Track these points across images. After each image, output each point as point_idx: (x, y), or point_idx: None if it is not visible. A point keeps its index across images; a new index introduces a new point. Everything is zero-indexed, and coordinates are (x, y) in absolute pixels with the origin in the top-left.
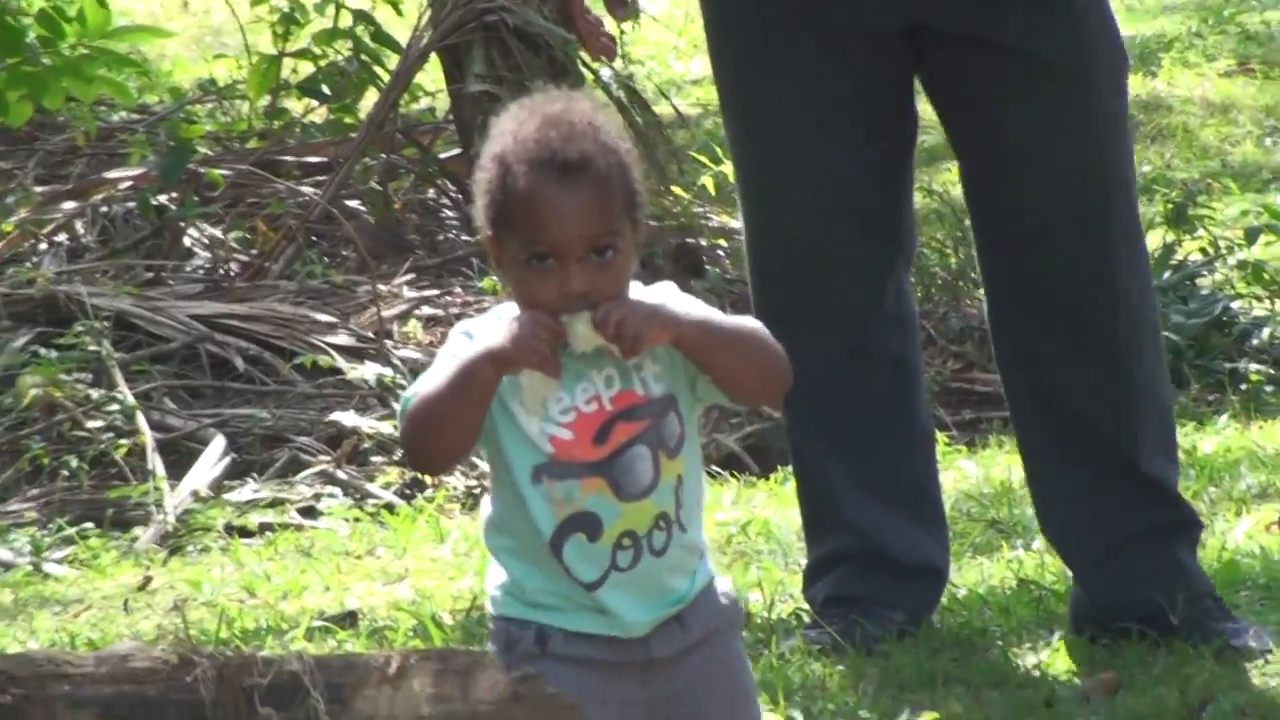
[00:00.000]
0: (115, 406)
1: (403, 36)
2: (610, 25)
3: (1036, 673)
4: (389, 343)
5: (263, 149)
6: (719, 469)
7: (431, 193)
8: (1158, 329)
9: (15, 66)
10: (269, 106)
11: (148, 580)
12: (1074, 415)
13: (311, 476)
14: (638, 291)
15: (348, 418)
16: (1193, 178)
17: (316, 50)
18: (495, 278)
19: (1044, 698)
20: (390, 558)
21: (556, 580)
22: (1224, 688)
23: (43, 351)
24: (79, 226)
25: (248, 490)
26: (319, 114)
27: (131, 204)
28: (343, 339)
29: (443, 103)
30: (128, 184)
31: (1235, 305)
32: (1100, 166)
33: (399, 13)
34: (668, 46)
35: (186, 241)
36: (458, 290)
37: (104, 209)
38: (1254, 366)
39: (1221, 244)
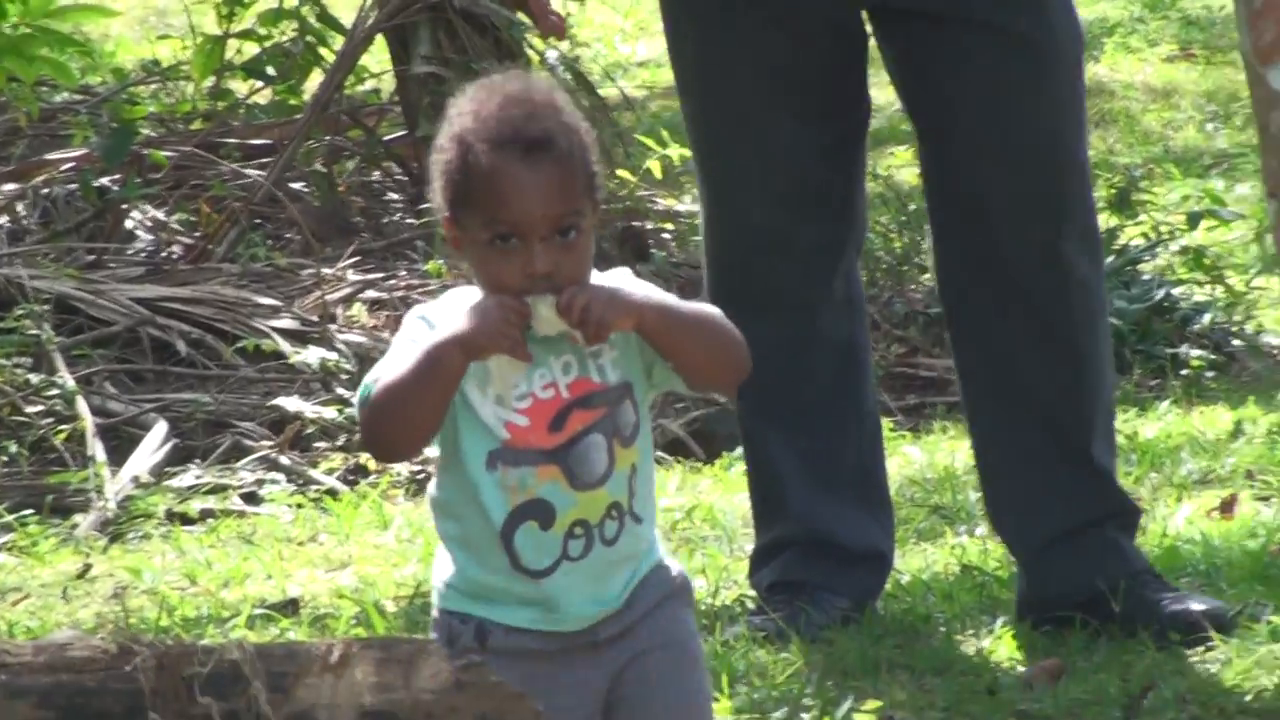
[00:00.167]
0: (55, 391)
1: (348, 18)
2: (559, 4)
3: (979, 659)
4: (333, 327)
5: (206, 130)
6: (664, 454)
7: (376, 175)
8: (1107, 313)
9: None
10: (213, 87)
11: (87, 568)
12: (1026, 397)
13: (254, 462)
14: (594, 278)
15: (291, 403)
16: (1135, 163)
17: (261, 31)
18: (442, 261)
19: (987, 684)
20: (333, 544)
21: (500, 570)
22: (1165, 674)
23: None
24: (20, 208)
25: (189, 476)
26: (263, 95)
27: (73, 186)
28: (286, 323)
29: (388, 84)
30: (69, 165)
31: (1177, 290)
32: (1054, 148)
33: None
34: (614, 29)
35: (129, 224)
36: (403, 273)
37: (45, 191)
38: (1195, 352)
39: (1163, 229)
